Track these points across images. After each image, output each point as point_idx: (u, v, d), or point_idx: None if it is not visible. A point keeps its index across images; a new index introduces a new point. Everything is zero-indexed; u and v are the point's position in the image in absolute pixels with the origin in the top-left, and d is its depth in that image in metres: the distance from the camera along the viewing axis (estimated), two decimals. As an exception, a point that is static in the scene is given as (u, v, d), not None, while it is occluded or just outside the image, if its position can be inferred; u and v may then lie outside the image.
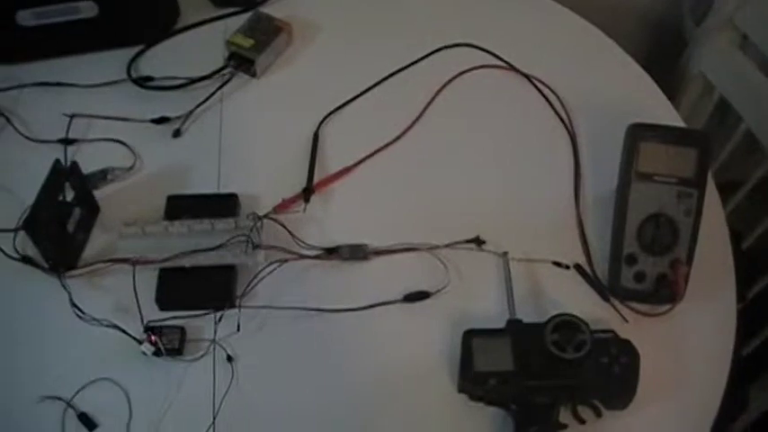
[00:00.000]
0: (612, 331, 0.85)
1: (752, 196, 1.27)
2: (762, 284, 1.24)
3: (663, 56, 1.40)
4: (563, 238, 0.98)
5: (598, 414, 0.83)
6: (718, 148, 1.31)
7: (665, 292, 0.89)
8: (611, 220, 0.95)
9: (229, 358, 0.89)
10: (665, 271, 0.89)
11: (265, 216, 0.95)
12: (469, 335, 0.85)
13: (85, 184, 0.98)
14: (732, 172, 1.29)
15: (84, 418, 0.85)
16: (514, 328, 0.86)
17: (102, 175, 1.02)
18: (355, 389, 0.88)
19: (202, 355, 0.89)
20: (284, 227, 0.95)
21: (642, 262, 0.90)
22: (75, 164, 0.96)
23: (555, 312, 0.84)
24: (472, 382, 0.83)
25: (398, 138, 1.07)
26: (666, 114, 1.10)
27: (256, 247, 0.93)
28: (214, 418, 0.85)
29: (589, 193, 1.02)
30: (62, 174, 0.94)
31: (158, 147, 1.06)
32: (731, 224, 1.00)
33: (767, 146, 1.19)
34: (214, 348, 0.89)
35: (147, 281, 0.92)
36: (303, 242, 0.95)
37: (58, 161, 0.93)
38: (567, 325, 0.83)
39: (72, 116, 1.09)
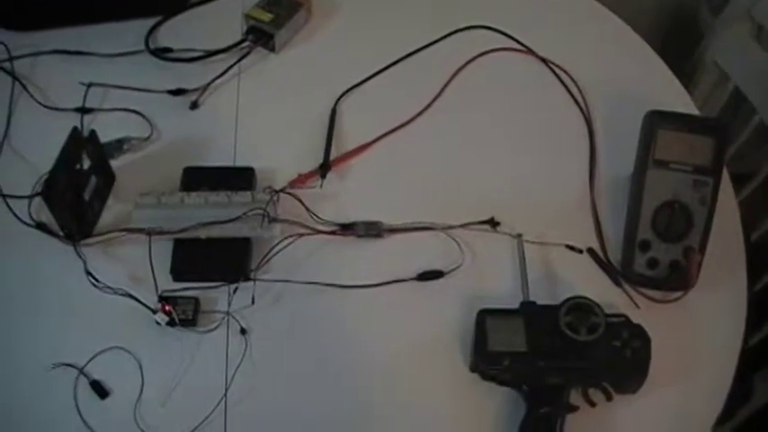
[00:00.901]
0: (625, 316, 0.85)
1: (762, 189, 1.27)
2: (768, 277, 1.24)
3: (679, 45, 1.40)
4: (577, 223, 0.98)
5: (609, 397, 0.83)
6: (732, 139, 1.30)
7: (677, 279, 0.89)
8: (624, 205, 0.96)
9: (243, 331, 0.89)
10: (677, 258, 0.89)
11: (282, 190, 0.95)
12: (483, 314, 0.85)
13: (102, 154, 0.97)
14: (743, 164, 1.29)
15: (97, 386, 0.85)
16: (528, 309, 0.86)
17: (119, 145, 1.01)
18: (367, 365, 0.88)
19: (216, 327, 0.89)
20: (301, 201, 0.95)
21: (655, 248, 0.90)
22: (93, 132, 0.95)
23: (569, 295, 0.84)
24: (485, 361, 0.83)
25: (415, 117, 1.06)
26: (681, 103, 1.10)
27: (272, 220, 0.92)
28: (226, 390, 0.85)
29: (604, 178, 1.01)
30: (80, 142, 0.93)
31: (175, 118, 1.06)
32: (741, 215, 1.00)
33: (779, 137, 1.19)
34: (228, 320, 0.89)
35: (162, 251, 0.92)
36: (319, 217, 0.95)
37: (76, 129, 0.92)
38: (581, 307, 0.83)
39: (89, 85, 1.08)
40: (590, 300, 0.83)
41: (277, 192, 0.94)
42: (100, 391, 0.85)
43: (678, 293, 0.89)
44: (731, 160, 1.29)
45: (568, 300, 0.83)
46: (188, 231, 0.92)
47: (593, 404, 0.83)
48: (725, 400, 0.87)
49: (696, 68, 1.36)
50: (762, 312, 1.21)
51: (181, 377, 0.86)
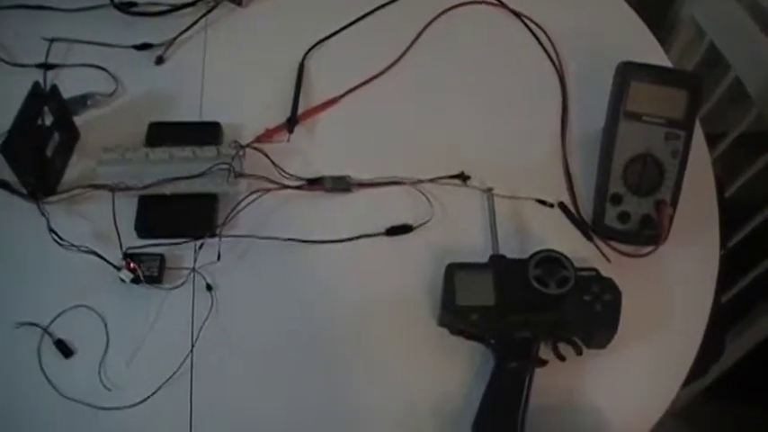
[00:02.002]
0: (595, 269, 0.83)
1: (736, 146, 1.25)
2: (741, 234, 1.22)
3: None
4: (548, 177, 0.95)
5: (578, 352, 0.82)
6: (706, 96, 1.28)
7: (648, 233, 0.87)
8: (596, 159, 0.93)
9: (209, 287, 0.86)
10: (649, 212, 0.87)
11: (248, 145, 0.92)
12: (452, 269, 0.83)
13: (65, 109, 0.94)
14: (718, 121, 1.26)
15: (61, 345, 0.83)
16: (497, 263, 0.84)
17: (83, 101, 0.98)
18: (335, 320, 0.86)
19: (182, 284, 0.87)
20: (267, 156, 0.92)
21: (627, 202, 0.88)
22: (54, 87, 0.92)
23: (539, 249, 0.82)
24: (453, 315, 0.81)
25: (385, 71, 1.03)
26: (656, 57, 1.07)
27: (238, 175, 0.90)
28: (192, 347, 0.83)
29: (576, 132, 0.99)
30: (41, 97, 0.90)
31: (140, 73, 1.02)
32: (715, 172, 0.98)
33: (755, 94, 1.16)
34: (194, 277, 0.87)
35: (127, 208, 0.89)
36: (286, 172, 0.92)
37: (37, 84, 0.89)
38: (551, 261, 0.81)
39: (52, 40, 1.04)
40: (560, 253, 0.81)
41: (243, 146, 0.91)
42: (64, 350, 0.83)
43: (649, 248, 0.87)
44: (705, 119, 1.27)
45: (538, 253, 0.81)
46: (153, 187, 0.89)
47: (562, 358, 0.82)
48: (695, 357, 0.86)
49: (672, 23, 1.33)
50: (734, 271, 1.20)
51: (146, 335, 0.85)
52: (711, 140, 1.03)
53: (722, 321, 1.21)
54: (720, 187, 0.99)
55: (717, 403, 1.45)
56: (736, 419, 1.49)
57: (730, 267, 1.11)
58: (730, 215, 1.17)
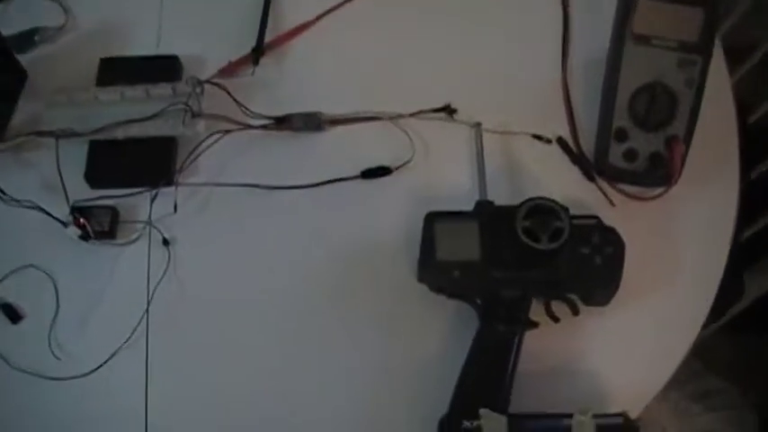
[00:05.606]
0: (596, 217, 0.70)
1: (763, 63, 1.08)
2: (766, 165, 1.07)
3: None
4: (545, 108, 0.80)
5: (575, 312, 0.70)
6: (729, 6, 1.10)
7: (658, 172, 0.73)
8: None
9: (165, 242, 0.76)
10: (659, 149, 0.73)
11: (207, 81, 0.79)
12: (432, 218, 0.70)
13: (7, 48, 0.81)
14: (743, 35, 1.09)
15: (8, 310, 0.74)
16: (484, 210, 0.71)
17: (30, 37, 0.85)
18: (304, 275, 0.75)
19: (136, 239, 0.76)
20: (228, 92, 0.79)
21: (634, 138, 0.73)
22: (-8, 22, 0.79)
23: (534, 194, 0.68)
24: (433, 271, 0.69)
25: (363, -8, 0.88)
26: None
27: (195, 115, 0.77)
28: (147, 307, 0.73)
29: (578, 57, 0.83)
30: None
31: (92, 3, 0.88)
32: (737, 95, 0.83)
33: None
34: (150, 231, 0.76)
35: (79, 156, 0.78)
36: (250, 110, 0.79)
37: (-29, 19, 0.76)
38: (543, 210, 0.67)
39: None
40: (553, 201, 0.67)
41: (201, 82, 0.78)
42: (11, 314, 0.74)
43: (659, 189, 0.73)
44: (727, 33, 1.10)
45: (527, 201, 0.67)
46: (103, 132, 0.77)
47: (556, 319, 0.69)
48: (709, 308, 0.73)
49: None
50: (756, 204, 1.05)
51: (99, 295, 0.75)
52: (734, 57, 0.87)
53: (742, 260, 1.07)
54: (742, 111, 0.84)
55: (731, 336, 1.32)
56: (754, 352, 1.35)
57: (752, 201, 0.96)
58: (756, 142, 1.02)
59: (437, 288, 0.71)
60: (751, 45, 1.11)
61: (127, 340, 0.71)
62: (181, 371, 0.72)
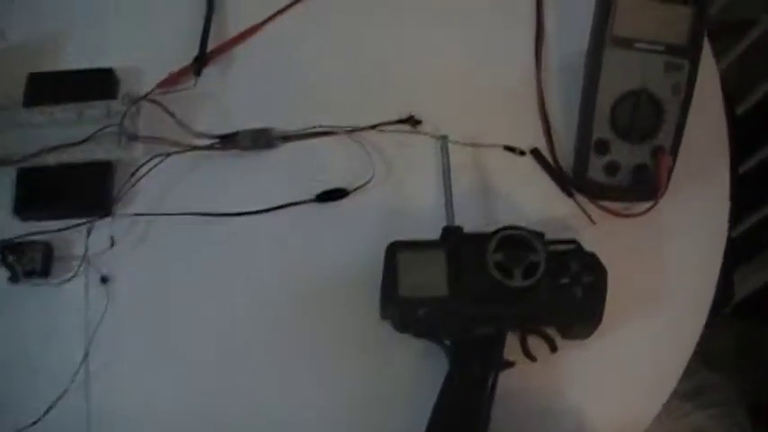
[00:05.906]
0: (575, 241, 0.63)
1: (757, 46, 1.01)
2: (757, 158, 1.00)
3: None
4: (519, 117, 0.74)
5: (553, 348, 0.63)
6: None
7: (643, 186, 0.67)
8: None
9: (103, 279, 0.69)
10: (644, 161, 0.67)
11: (144, 98, 0.71)
12: (393, 248, 0.63)
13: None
14: (736, 10, 1.02)
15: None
16: (452, 239, 0.64)
17: (-49, 50, 0.77)
18: (256, 310, 0.69)
19: (72, 277, 0.69)
20: (166, 110, 0.71)
21: (616, 150, 0.67)
22: None
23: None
24: (396, 309, 0.63)
25: (317, -10, 0.80)
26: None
27: (133, 137, 0.70)
28: (86, 354, 0.66)
29: (554, 61, 0.76)
30: None
31: (21, 13, 0.79)
32: (726, 84, 0.77)
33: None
34: (87, 268, 0.69)
35: (4, 185, 0.71)
36: (192, 129, 0.71)
37: None
38: (516, 240, 0.60)
39: None
40: (526, 231, 0.61)
41: (136, 99, 0.70)
42: None
43: (643, 205, 0.67)
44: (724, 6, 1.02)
45: (498, 231, 0.61)
46: (32, 159, 0.70)
47: (533, 359, 0.63)
48: (702, 329, 0.68)
49: None
50: (748, 199, 0.99)
51: (34, 338, 0.68)
52: (727, 36, 0.79)
53: (733, 260, 1.01)
54: (731, 102, 0.77)
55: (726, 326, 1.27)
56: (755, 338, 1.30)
57: (742, 196, 0.90)
58: (744, 135, 0.96)
59: (401, 326, 0.64)
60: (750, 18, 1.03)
61: (64, 392, 0.64)
62: (126, 418, 0.66)
